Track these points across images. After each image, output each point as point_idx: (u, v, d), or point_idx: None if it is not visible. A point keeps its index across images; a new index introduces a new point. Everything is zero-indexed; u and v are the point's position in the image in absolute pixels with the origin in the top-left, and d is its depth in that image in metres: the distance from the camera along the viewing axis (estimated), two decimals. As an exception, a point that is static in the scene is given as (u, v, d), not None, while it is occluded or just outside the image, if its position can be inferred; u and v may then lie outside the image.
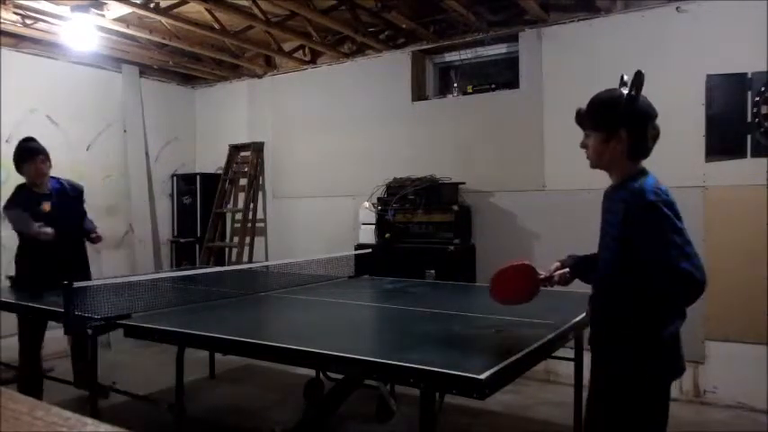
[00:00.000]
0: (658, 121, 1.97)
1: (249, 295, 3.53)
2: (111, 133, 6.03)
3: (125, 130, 6.15)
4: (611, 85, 2.06)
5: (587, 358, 3.35)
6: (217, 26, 4.93)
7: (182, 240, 6.53)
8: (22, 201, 3.76)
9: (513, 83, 4.94)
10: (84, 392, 4.07)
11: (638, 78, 1.87)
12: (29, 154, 3.80)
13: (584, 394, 3.24)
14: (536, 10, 4.51)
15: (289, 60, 5.99)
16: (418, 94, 5.41)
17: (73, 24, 4.44)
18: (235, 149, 6.45)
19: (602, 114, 1.97)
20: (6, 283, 4.15)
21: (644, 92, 1.81)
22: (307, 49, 5.91)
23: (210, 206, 6.39)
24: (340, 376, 3.17)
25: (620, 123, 1.90)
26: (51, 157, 4.17)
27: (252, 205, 6.26)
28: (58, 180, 3.98)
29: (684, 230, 1.78)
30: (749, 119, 3.91)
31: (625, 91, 1.92)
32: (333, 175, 5.79)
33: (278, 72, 6.25)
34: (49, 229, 3.56)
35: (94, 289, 2.86)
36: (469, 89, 5.19)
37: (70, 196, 4.01)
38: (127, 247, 6.15)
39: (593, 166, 2.06)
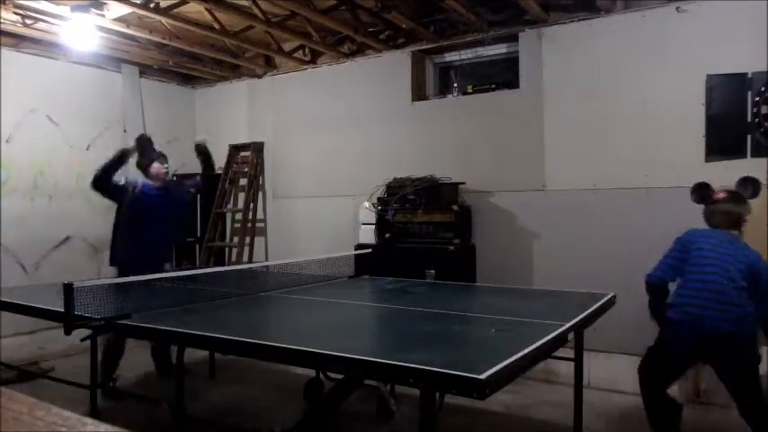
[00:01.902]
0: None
1: (249, 295, 3.53)
2: (111, 133, 6.02)
3: (125, 130, 6.14)
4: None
5: (587, 358, 3.36)
6: (217, 26, 4.93)
7: (182, 240, 6.53)
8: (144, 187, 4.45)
9: (513, 83, 4.93)
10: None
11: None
12: (159, 157, 4.56)
13: (585, 394, 3.25)
14: (536, 10, 4.51)
15: (289, 60, 5.98)
16: (418, 94, 5.41)
17: (73, 24, 4.44)
18: (235, 149, 6.44)
19: None
20: (112, 271, 4.51)
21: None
22: (307, 49, 5.91)
23: (210, 206, 6.38)
24: (340, 376, 3.17)
25: None
26: (51, 156, 4.31)
27: (252, 205, 6.25)
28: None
29: (676, 247, 3.18)
30: (749, 119, 3.91)
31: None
32: (333, 175, 5.79)
33: (278, 72, 6.25)
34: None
35: (94, 289, 2.86)
36: (469, 89, 5.19)
37: (174, 195, 4.65)
38: (127, 247, 6.15)
39: None
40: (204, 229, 6.38)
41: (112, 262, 4.50)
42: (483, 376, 1.68)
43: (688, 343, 2.98)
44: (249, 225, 6.20)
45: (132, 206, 4.35)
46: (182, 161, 6.80)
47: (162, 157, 4.58)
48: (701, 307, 2.93)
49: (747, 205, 3.16)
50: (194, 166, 6.82)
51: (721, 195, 3.17)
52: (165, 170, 4.58)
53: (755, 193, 3.17)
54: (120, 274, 4.20)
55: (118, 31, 4.87)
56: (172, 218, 4.56)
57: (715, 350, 2.96)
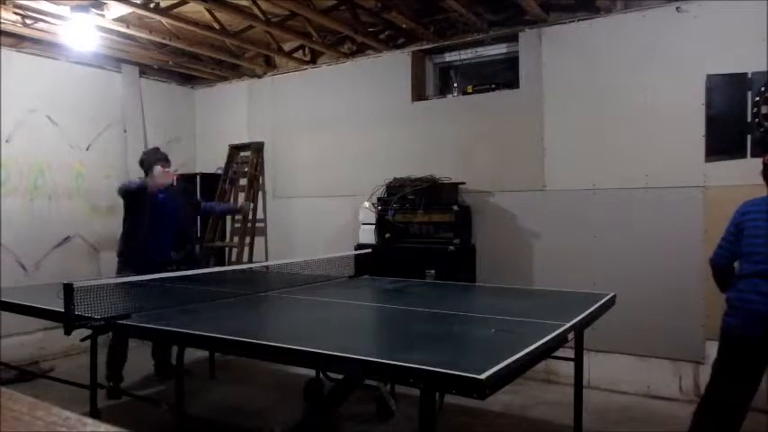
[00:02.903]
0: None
1: (249, 295, 3.53)
2: (111, 133, 6.03)
3: (125, 130, 6.15)
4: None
5: (587, 358, 3.36)
6: (217, 26, 4.93)
7: (182, 240, 6.51)
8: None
9: (513, 83, 4.94)
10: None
11: None
12: (166, 160, 4.60)
13: (585, 394, 3.25)
14: (536, 10, 4.51)
15: (289, 60, 5.99)
16: (418, 94, 5.41)
17: (73, 24, 4.44)
18: (235, 149, 6.44)
19: None
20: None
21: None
22: (307, 49, 5.91)
23: (210, 206, 6.38)
24: (340, 376, 3.17)
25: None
26: (51, 156, 4.31)
27: (252, 205, 6.25)
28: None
29: (730, 229, 2.93)
30: (749, 119, 3.91)
31: None
32: (333, 175, 5.79)
33: (278, 72, 6.25)
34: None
35: (94, 289, 2.86)
36: (469, 89, 5.19)
37: (177, 195, 4.75)
38: (127, 247, 6.15)
39: None
40: (204, 229, 6.38)
41: (119, 255, 4.56)
42: (483, 376, 1.68)
43: (749, 332, 2.75)
44: (249, 225, 6.20)
45: (140, 204, 4.46)
46: (182, 161, 6.82)
47: (165, 161, 4.62)
48: (751, 292, 2.76)
49: None
50: (194, 167, 6.86)
51: None
52: (168, 172, 4.62)
53: None
54: (124, 267, 4.35)
55: (118, 30, 4.87)
56: (175, 219, 4.60)
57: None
